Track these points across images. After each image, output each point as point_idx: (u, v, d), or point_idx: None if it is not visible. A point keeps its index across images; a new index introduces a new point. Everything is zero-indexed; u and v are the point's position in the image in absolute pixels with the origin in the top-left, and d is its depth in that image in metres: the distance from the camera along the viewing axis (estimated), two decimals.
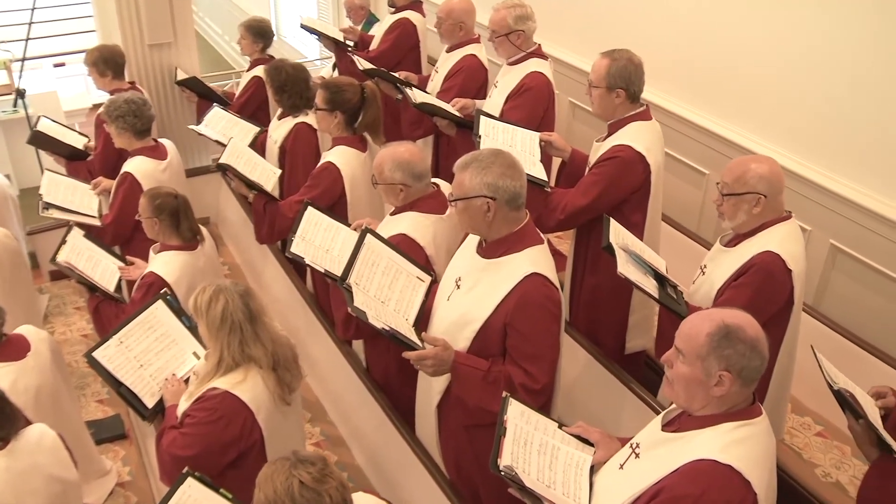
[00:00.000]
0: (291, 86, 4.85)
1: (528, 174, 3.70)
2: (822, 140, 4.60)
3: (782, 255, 3.24)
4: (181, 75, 6.09)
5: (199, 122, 5.53)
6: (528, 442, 2.58)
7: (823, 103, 4.55)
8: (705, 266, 3.53)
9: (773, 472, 2.34)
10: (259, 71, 5.70)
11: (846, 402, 2.79)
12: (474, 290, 3.04)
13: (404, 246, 3.47)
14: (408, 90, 4.75)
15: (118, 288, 4.21)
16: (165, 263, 3.89)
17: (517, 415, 2.66)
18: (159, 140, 4.82)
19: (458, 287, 3.10)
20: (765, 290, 3.25)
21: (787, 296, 3.32)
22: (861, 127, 4.38)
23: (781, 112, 4.81)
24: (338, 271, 3.44)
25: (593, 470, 2.59)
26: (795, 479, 3.82)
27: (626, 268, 3.28)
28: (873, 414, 2.78)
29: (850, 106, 4.41)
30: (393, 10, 6.14)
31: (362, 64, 5.27)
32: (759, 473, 2.23)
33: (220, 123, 5.36)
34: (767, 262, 3.24)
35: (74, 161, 5.34)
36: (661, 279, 3.44)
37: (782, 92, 4.78)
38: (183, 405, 3.05)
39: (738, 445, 2.24)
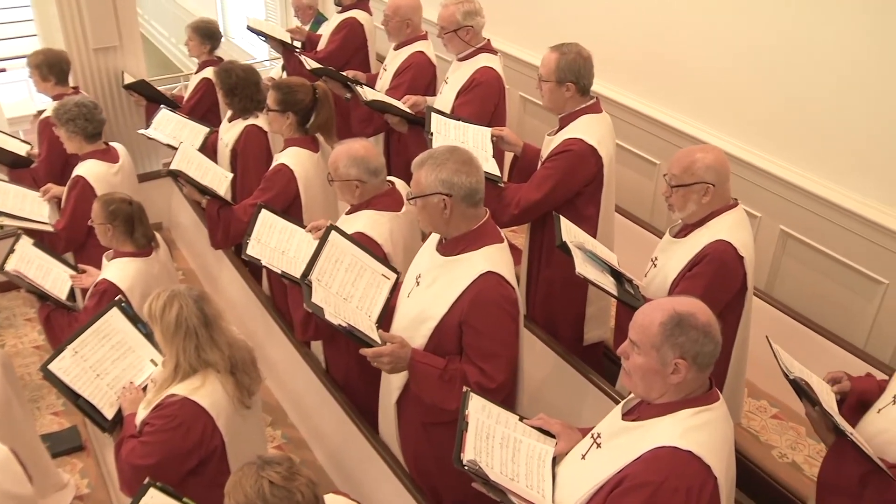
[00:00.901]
0: (242, 89, 4.80)
1: None
2: (770, 128, 4.68)
3: (733, 243, 3.28)
4: (128, 79, 6.00)
5: (147, 126, 5.45)
6: (490, 435, 2.59)
7: (769, 92, 4.64)
8: (656, 258, 3.56)
9: (732, 455, 2.38)
10: (208, 73, 5.63)
11: (802, 390, 2.85)
12: (432, 288, 3.04)
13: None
14: (358, 88, 4.74)
15: (71, 296, 4.14)
16: (119, 270, 3.83)
17: (478, 409, 2.67)
18: (110, 143, 4.75)
19: (418, 284, 3.11)
20: (719, 278, 3.29)
21: (741, 282, 3.37)
22: (806, 115, 4.47)
23: (730, 101, 4.88)
24: (294, 272, 3.43)
25: (555, 461, 2.60)
26: (753, 461, 3.90)
27: (584, 268, 3.31)
28: (828, 400, 2.84)
29: (796, 95, 4.49)
30: (340, 8, 6.12)
31: (310, 64, 5.25)
32: (719, 458, 2.26)
33: (169, 126, 5.29)
34: (720, 251, 3.28)
35: (17, 169, 5.24)
36: (617, 275, 3.47)
37: (730, 82, 4.85)
38: (141, 413, 3.01)
39: (698, 431, 2.26)
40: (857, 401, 3.08)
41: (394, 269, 3.35)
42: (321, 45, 6.12)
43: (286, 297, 3.86)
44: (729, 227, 3.32)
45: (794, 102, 4.52)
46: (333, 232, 3.28)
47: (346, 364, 3.77)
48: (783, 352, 2.95)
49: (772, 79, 4.60)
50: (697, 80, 5.05)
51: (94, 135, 4.56)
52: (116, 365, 3.35)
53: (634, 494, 2.22)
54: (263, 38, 6.15)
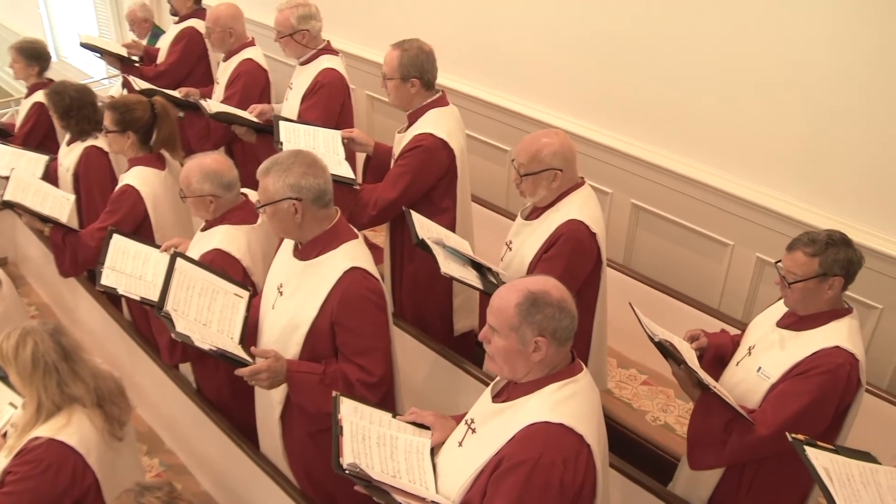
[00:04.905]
0: (78, 110, 4.61)
1: (335, 174, 3.70)
2: (612, 107, 4.87)
3: (585, 221, 3.41)
4: None
5: None
6: (366, 436, 2.60)
7: (610, 72, 4.82)
8: (511, 241, 3.65)
9: (602, 421, 2.46)
10: (40, 96, 5.39)
11: (667, 350, 3.01)
12: (297, 294, 3.03)
13: (219, 261, 3.41)
14: (202, 102, 4.64)
15: None
16: None
17: (350, 412, 2.67)
18: None
19: (281, 293, 3.08)
20: (576, 256, 3.41)
21: (596, 257, 3.50)
22: (646, 92, 4.67)
23: (571, 83, 5.04)
24: (154, 297, 3.33)
25: (434, 452, 2.63)
26: (628, 427, 4.06)
27: (447, 266, 3.35)
28: (691, 358, 3.00)
29: (634, 73, 4.69)
30: (177, 19, 5.97)
31: (138, 84, 5.08)
32: (589, 426, 2.34)
33: (3, 159, 5.01)
34: (574, 231, 3.39)
35: None
36: (477, 266, 3.53)
37: (570, 64, 5.01)
38: (2, 462, 2.87)
39: (566, 403, 2.33)
40: (714, 355, 3.30)
41: (245, 287, 3.30)
42: (160, 58, 5.95)
43: (149, 322, 3.75)
44: (579, 207, 3.44)
45: (633, 81, 4.71)
46: (179, 259, 3.20)
47: (218, 382, 3.69)
48: (646, 318, 3.09)
49: (611, 59, 4.78)
50: (539, 65, 5.18)
51: None
52: None
53: (515, 473, 2.26)
54: (99, 55, 5.94)
